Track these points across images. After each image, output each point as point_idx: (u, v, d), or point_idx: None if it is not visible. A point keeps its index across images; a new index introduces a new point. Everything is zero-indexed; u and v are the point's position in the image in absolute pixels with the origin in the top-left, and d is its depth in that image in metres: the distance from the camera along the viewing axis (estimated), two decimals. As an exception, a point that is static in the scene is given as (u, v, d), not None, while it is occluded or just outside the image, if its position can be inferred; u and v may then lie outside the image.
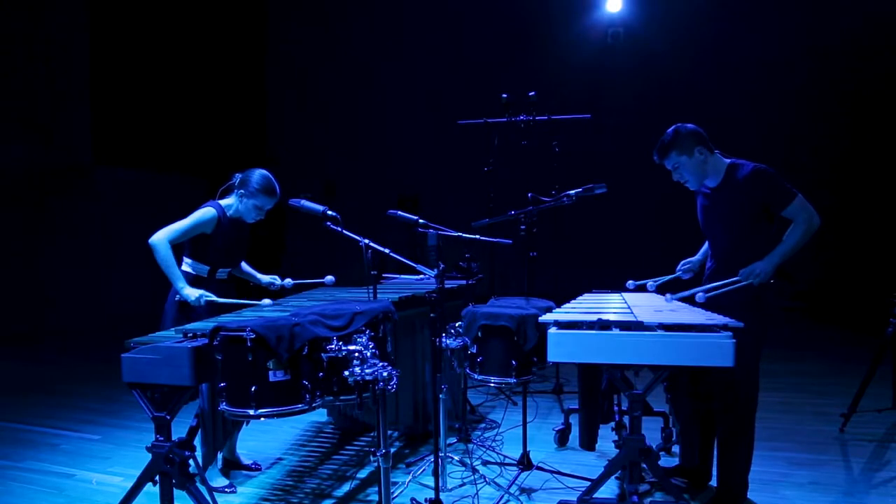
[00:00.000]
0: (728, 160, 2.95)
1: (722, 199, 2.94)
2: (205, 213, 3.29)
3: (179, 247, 3.31)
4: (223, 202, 3.39)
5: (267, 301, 3.10)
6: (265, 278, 3.62)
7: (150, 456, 2.39)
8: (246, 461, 3.61)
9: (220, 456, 3.49)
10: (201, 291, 3.16)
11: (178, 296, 3.20)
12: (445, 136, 9.50)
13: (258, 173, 3.35)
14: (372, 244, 2.95)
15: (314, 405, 2.43)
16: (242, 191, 3.33)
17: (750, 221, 2.87)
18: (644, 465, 2.53)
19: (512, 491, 3.20)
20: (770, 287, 2.84)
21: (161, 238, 3.16)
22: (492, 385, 3.43)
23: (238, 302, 3.17)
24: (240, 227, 3.44)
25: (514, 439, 3.80)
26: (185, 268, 3.34)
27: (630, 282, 3.31)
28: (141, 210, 9.24)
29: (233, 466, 3.58)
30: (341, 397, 2.48)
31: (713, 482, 3.16)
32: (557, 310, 2.98)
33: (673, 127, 2.97)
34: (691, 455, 3.21)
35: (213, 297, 3.17)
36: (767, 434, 3.91)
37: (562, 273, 5.79)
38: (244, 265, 3.66)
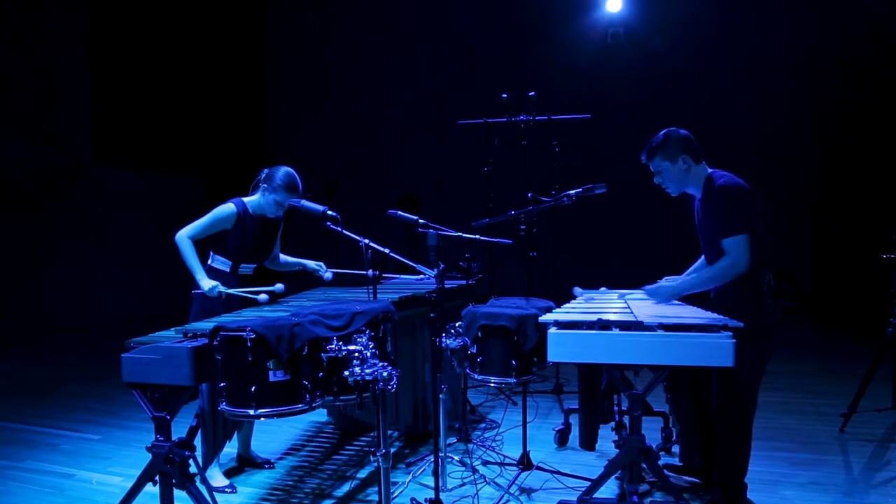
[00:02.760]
0: (709, 171, 2.91)
1: (701, 209, 2.95)
2: (224, 209, 3.33)
3: (208, 243, 3.38)
4: (248, 199, 3.42)
5: (280, 286, 3.20)
6: (311, 264, 3.69)
7: (150, 456, 2.39)
8: (260, 459, 3.65)
9: (225, 456, 3.50)
10: (215, 283, 3.20)
11: (196, 289, 3.28)
12: (445, 136, 9.50)
13: (283, 170, 3.39)
14: (372, 244, 2.95)
15: (314, 405, 2.43)
16: (266, 185, 3.37)
17: (716, 242, 2.83)
18: (644, 465, 2.53)
19: (512, 491, 3.20)
20: (770, 288, 2.83)
21: (182, 234, 3.26)
22: (492, 385, 3.43)
23: (251, 290, 3.23)
24: (265, 222, 3.47)
25: (514, 439, 3.80)
26: (209, 262, 3.41)
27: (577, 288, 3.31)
28: (141, 210, 9.25)
29: (247, 463, 3.62)
30: (341, 397, 2.48)
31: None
32: (557, 310, 2.98)
33: (664, 130, 2.95)
34: (691, 455, 3.20)
35: (225, 289, 3.21)
36: (767, 434, 3.91)
37: (562, 273, 5.79)
38: (286, 258, 3.72)
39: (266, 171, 3.41)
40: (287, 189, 3.34)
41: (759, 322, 2.76)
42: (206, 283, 3.20)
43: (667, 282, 3.06)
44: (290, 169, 3.41)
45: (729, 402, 2.87)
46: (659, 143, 2.92)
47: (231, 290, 3.23)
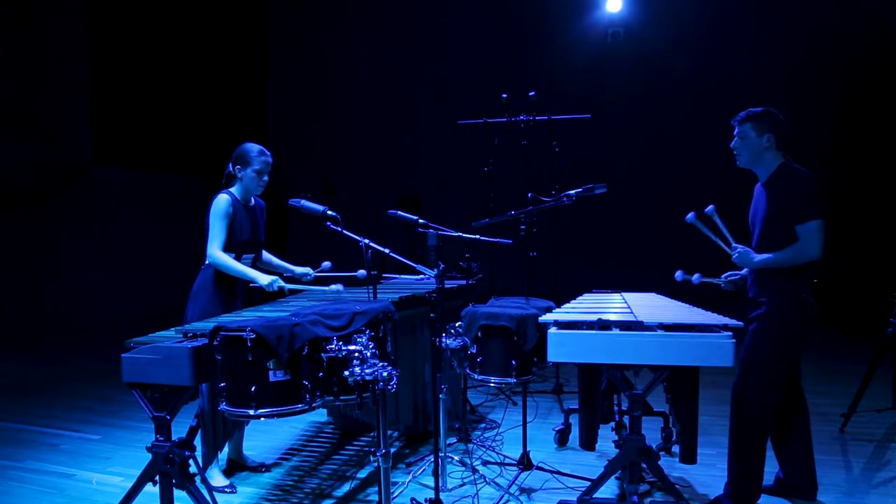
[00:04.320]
0: (783, 161, 2.91)
1: (764, 195, 2.92)
2: (221, 202, 3.28)
3: (203, 239, 3.33)
4: (231, 190, 3.40)
5: (362, 272, 3.13)
6: (299, 270, 3.59)
7: (150, 456, 2.39)
8: (253, 462, 3.61)
9: (224, 456, 3.49)
10: (274, 277, 3.20)
11: (253, 285, 3.26)
12: (445, 136, 9.49)
13: (245, 145, 3.40)
14: (372, 244, 2.95)
15: (314, 405, 2.43)
16: (240, 166, 3.36)
17: (779, 224, 2.81)
18: (644, 465, 2.53)
19: (512, 491, 3.20)
20: (810, 282, 2.82)
21: (214, 252, 3.22)
22: (492, 385, 3.43)
23: (312, 287, 3.23)
24: (251, 211, 3.46)
25: (514, 439, 3.80)
26: (208, 260, 3.34)
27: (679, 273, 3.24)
28: (141, 210, 9.25)
29: (240, 468, 3.57)
30: (341, 397, 2.48)
31: (820, 495, 3.08)
32: (557, 310, 2.98)
33: (767, 107, 2.99)
34: (692, 454, 3.19)
35: (285, 284, 3.22)
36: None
37: (562, 273, 5.79)
38: (273, 258, 3.66)
39: (230, 163, 3.40)
40: (260, 154, 3.36)
41: (795, 317, 2.76)
42: (265, 279, 3.19)
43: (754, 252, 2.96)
44: (248, 142, 3.42)
45: (742, 407, 2.84)
46: (757, 113, 2.96)
47: (291, 285, 3.23)
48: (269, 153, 3.42)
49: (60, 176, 8.38)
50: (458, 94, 9.61)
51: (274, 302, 3.26)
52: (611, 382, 2.80)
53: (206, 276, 3.32)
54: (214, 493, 2.55)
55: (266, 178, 3.42)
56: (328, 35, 11.00)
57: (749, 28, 9.30)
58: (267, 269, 3.59)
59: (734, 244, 2.93)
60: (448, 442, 3.48)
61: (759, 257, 2.85)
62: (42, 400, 5.11)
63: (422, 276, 3.37)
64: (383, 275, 4.22)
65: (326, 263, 3.51)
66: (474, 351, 3.21)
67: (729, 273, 3.15)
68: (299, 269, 3.59)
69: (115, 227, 8.93)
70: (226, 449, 3.47)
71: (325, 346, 2.43)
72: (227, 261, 3.21)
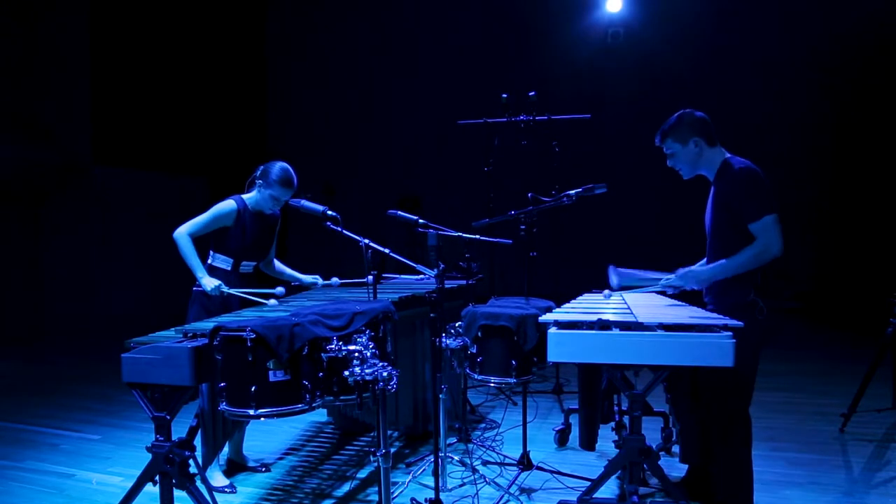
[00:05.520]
0: (727, 155, 2.87)
1: (713, 194, 2.88)
2: (224, 205, 3.32)
3: (206, 241, 3.36)
4: (246, 196, 3.41)
5: (281, 289, 3.18)
6: (307, 278, 3.63)
7: (150, 456, 2.39)
8: (252, 463, 3.61)
9: (224, 456, 3.49)
10: (218, 282, 3.20)
11: (196, 287, 3.25)
12: (445, 136, 9.49)
13: (278, 165, 3.38)
14: (372, 244, 2.95)
15: (314, 405, 2.43)
16: (261, 181, 3.36)
17: (729, 222, 2.74)
18: (644, 466, 2.53)
19: (512, 491, 3.20)
20: (758, 285, 2.79)
21: (182, 231, 3.23)
22: (492, 385, 3.43)
23: (254, 291, 3.21)
24: (264, 220, 3.47)
25: (514, 439, 3.80)
26: (210, 261, 3.39)
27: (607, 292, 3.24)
28: (141, 210, 9.26)
29: (239, 468, 3.58)
30: (341, 397, 2.48)
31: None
32: (557, 310, 2.97)
33: (679, 112, 2.91)
34: (692, 453, 3.18)
35: (227, 288, 3.21)
36: (767, 434, 3.92)
37: (562, 273, 5.79)
38: (282, 266, 3.69)
39: (262, 167, 3.40)
40: (282, 184, 3.33)
41: (749, 322, 2.72)
42: (209, 282, 3.19)
43: (698, 267, 2.90)
44: (285, 164, 3.40)
45: (725, 414, 2.80)
46: (671, 125, 2.89)
47: (233, 290, 3.22)
48: (295, 188, 3.38)
49: (60, 176, 8.38)
50: (458, 94, 9.61)
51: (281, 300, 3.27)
52: (611, 382, 2.80)
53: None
54: (214, 493, 2.55)
55: (279, 207, 3.42)
56: (328, 35, 11.00)
57: (749, 28, 9.30)
58: (279, 278, 3.63)
59: (667, 274, 2.89)
60: (448, 442, 3.48)
61: (707, 271, 2.76)
62: (42, 400, 5.11)
63: (422, 276, 3.37)
64: (383, 275, 4.22)
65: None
66: (474, 351, 3.21)
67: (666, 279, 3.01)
68: (308, 278, 3.62)
69: (115, 227, 8.93)
70: (226, 449, 3.47)
71: (325, 346, 2.43)
72: (186, 246, 3.21)
